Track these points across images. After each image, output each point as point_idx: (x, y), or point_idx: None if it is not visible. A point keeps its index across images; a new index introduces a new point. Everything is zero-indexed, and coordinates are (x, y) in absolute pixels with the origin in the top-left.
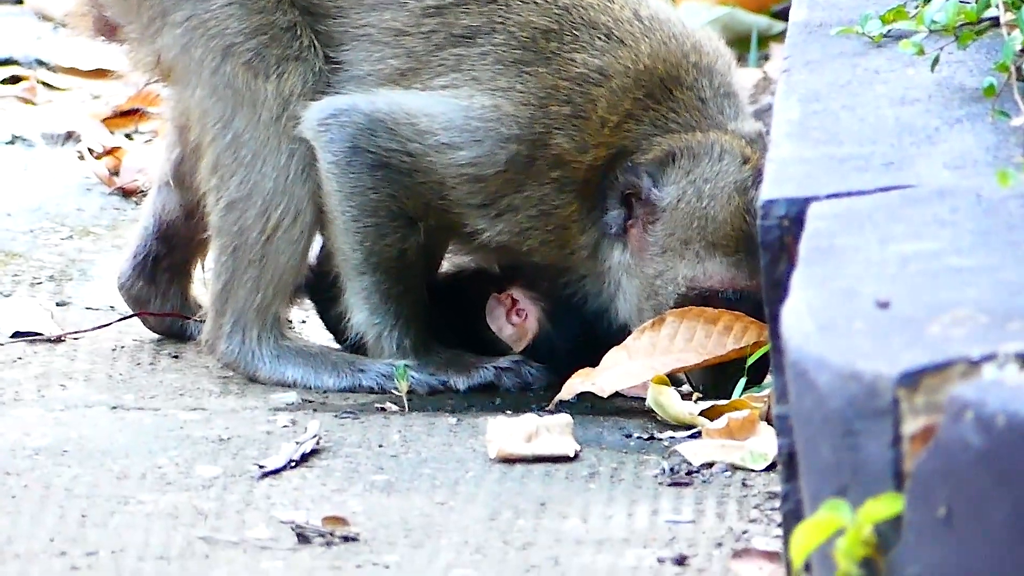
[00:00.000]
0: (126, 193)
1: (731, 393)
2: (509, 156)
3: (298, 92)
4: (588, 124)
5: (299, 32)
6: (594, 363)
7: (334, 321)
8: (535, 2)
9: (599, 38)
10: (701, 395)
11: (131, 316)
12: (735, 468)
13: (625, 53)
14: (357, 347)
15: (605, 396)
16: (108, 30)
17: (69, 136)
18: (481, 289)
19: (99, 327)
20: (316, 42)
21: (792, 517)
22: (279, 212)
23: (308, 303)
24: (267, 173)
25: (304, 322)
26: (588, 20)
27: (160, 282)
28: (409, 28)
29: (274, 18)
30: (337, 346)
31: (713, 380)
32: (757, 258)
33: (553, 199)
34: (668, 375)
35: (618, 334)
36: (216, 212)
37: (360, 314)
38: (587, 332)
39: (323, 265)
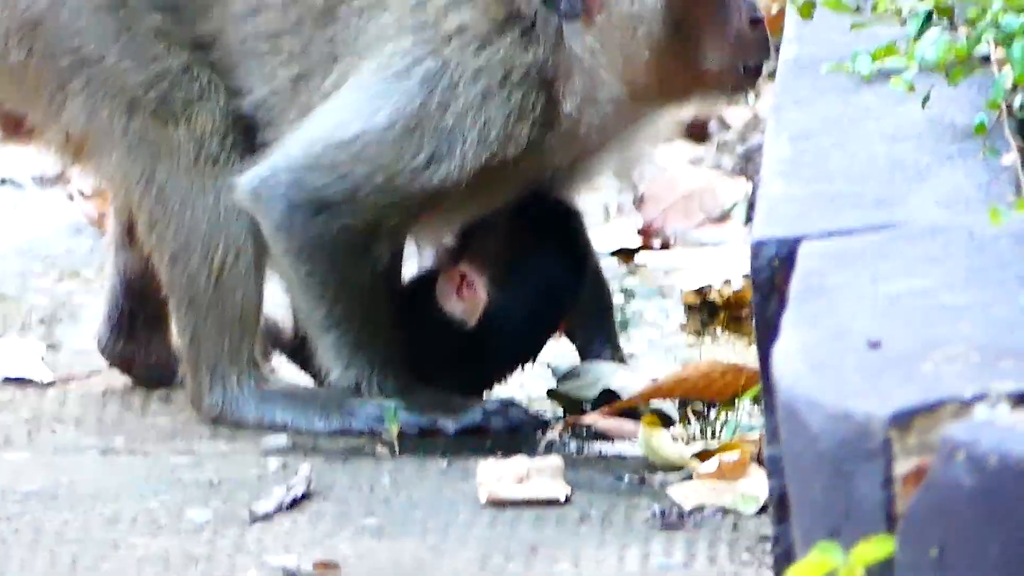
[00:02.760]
0: None
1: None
2: (425, 110)
3: (210, 130)
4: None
5: (196, 72)
6: (547, 327)
7: (319, 375)
8: None
9: None
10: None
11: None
12: (726, 511)
13: None
14: None
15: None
16: (12, 126)
17: (59, 178)
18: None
19: (91, 373)
20: (214, 77)
21: (784, 560)
22: (220, 253)
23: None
24: (199, 217)
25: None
26: None
27: (140, 337)
28: (281, 27)
29: (168, 63)
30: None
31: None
32: None
33: (483, 61)
34: (657, 413)
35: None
36: (163, 269)
37: (336, 370)
38: (538, 294)
39: (298, 324)
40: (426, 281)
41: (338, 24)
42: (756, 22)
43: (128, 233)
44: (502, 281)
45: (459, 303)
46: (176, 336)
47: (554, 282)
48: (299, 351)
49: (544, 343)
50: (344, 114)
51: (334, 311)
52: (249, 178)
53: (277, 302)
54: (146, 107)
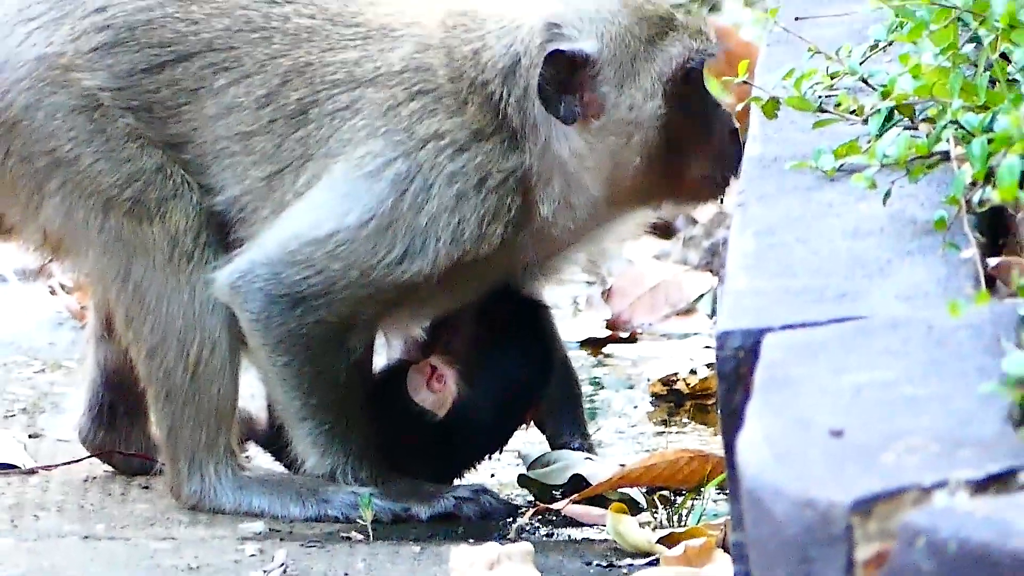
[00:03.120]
0: None
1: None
2: (398, 192)
3: (183, 228)
4: (439, 92)
5: (169, 171)
6: (516, 419)
7: (293, 464)
8: (343, 46)
9: (404, 32)
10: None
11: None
12: None
13: (430, 30)
14: None
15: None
16: None
17: (40, 272)
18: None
19: (72, 461)
20: (187, 176)
21: None
22: (196, 347)
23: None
24: (175, 313)
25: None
26: (380, 27)
27: (120, 427)
28: (253, 127)
29: (142, 163)
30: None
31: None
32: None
33: (458, 165)
34: (625, 500)
35: (540, 382)
36: (140, 362)
37: (311, 459)
38: (507, 387)
39: (272, 414)
40: (396, 372)
41: (310, 125)
42: (733, 134)
43: (107, 326)
44: (472, 374)
45: (429, 395)
46: (155, 427)
47: (523, 375)
48: (273, 441)
49: (512, 434)
50: (318, 213)
51: (310, 401)
52: (227, 273)
53: (251, 393)
54: (121, 206)
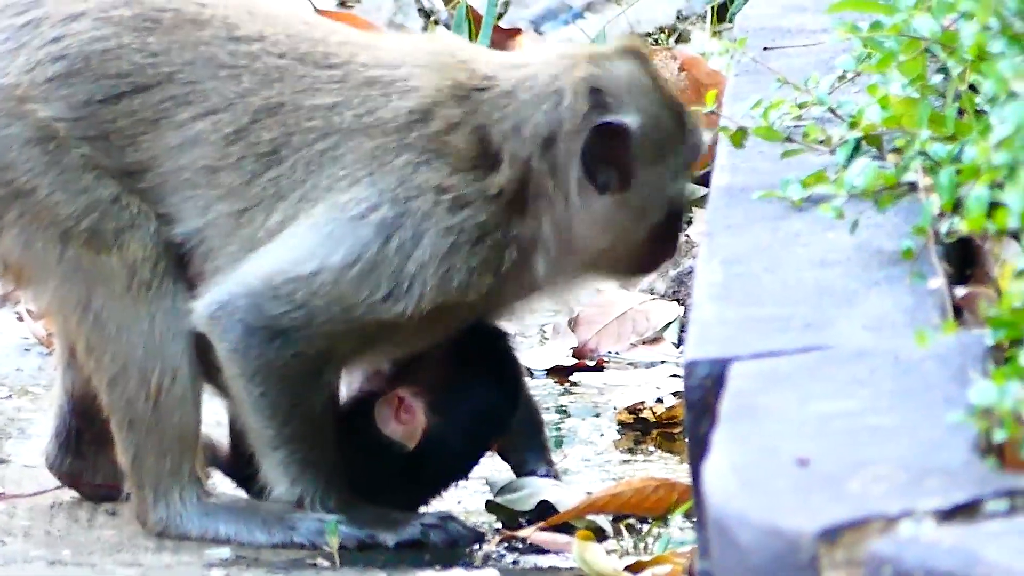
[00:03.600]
0: None
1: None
2: (386, 234)
3: (141, 257)
4: (444, 148)
5: (126, 202)
6: (483, 448)
7: (257, 493)
8: (316, 88)
9: (388, 88)
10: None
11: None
12: None
13: (427, 81)
14: None
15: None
16: None
17: (6, 298)
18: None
19: (39, 492)
20: (144, 205)
21: None
22: (157, 375)
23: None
24: (135, 342)
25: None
26: (365, 79)
27: (87, 454)
28: (219, 163)
29: (99, 193)
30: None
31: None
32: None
33: (457, 219)
34: (592, 527)
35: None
36: (103, 391)
37: (281, 486)
38: (475, 419)
39: (235, 442)
40: (361, 403)
41: (283, 165)
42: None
43: (73, 354)
44: (439, 404)
45: (398, 427)
46: (119, 455)
47: (491, 404)
48: (236, 468)
49: (478, 463)
50: (300, 251)
51: (283, 431)
52: (206, 303)
53: (215, 420)
54: (78, 237)
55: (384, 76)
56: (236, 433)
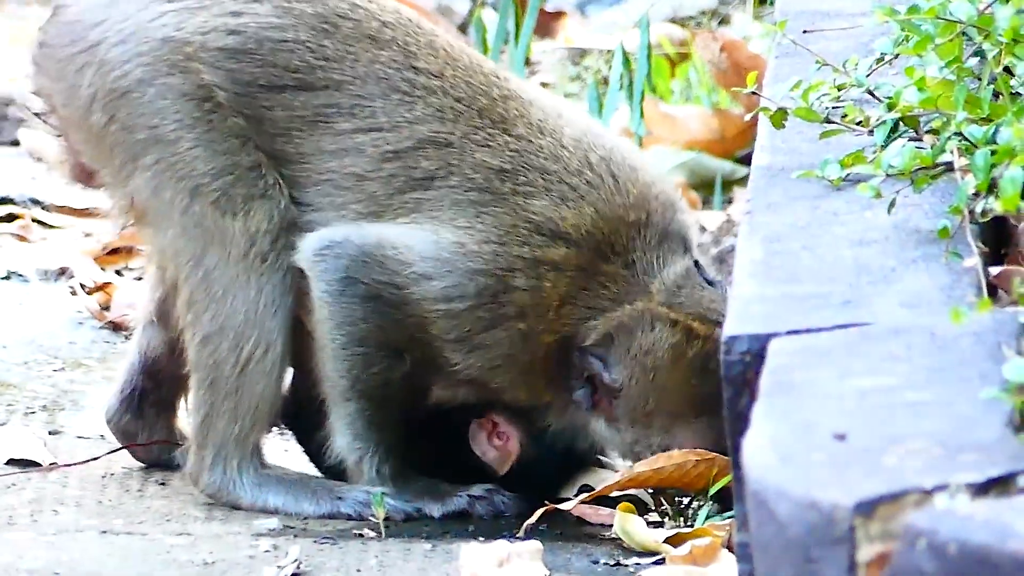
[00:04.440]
0: (116, 327)
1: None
2: (478, 289)
3: (264, 229)
4: (542, 292)
5: (264, 171)
6: (577, 482)
7: (314, 448)
8: (488, 145)
9: (551, 186)
10: (672, 520)
11: (120, 449)
12: None
13: (569, 213)
14: (336, 471)
15: (571, 509)
16: (85, 176)
17: (62, 272)
18: (465, 417)
19: (91, 460)
20: (281, 181)
21: None
22: (251, 344)
23: (287, 430)
24: (238, 307)
25: (286, 451)
26: (539, 165)
27: (147, 416)
28: (369, 173)
29: (239, 158)
30: (317, 473)
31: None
32: (720, 416)
33: (519, 349)
34: (633, 501)
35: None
36: (192, 347)
37: (343, 438)
38: (569, 451)
39: (300, 394)
40: (459, 417)
41: (430, 193)
42: None
43: (159, 313)
44: (534, 437)
45: (491, 450)
46: (189, 410)
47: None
48: (297, 420)
49: (561, 492)
50: (414, 239)
51: (357, 386)
52: (317, 238)
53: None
54: (208, 195)
55: (554, 174)
56: (312, 382)
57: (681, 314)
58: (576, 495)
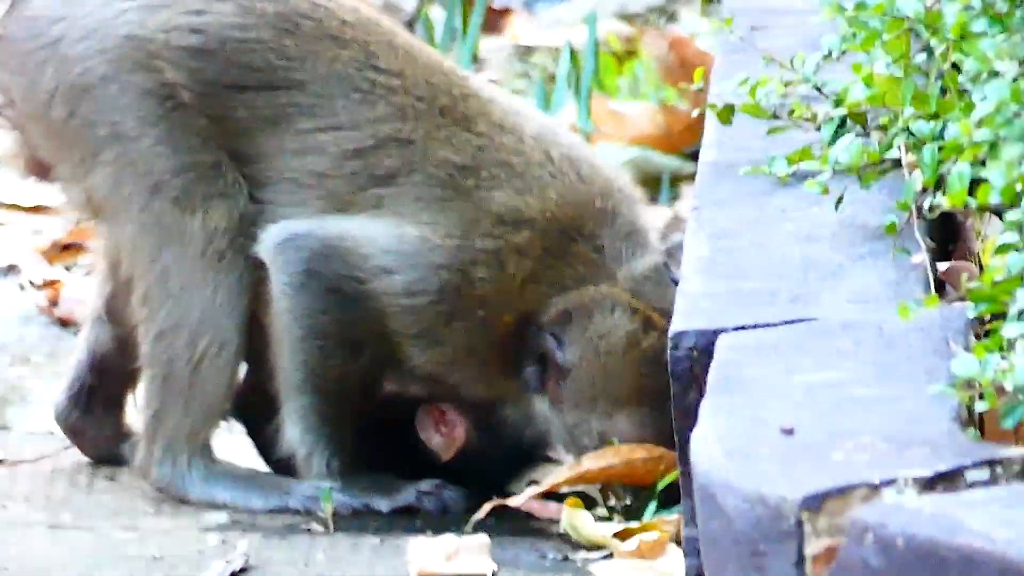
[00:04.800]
0: (64, 323)
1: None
2: (440, 284)
3: (222, 227)
4: (504, 275)
5: (224, 170)
6: (521, 475)
7: (263, 441)
8: (450, 142)
9: (513, 178)
10: (619, 515)
11: (70, 447)
12: None
13: (534, 200)
14: (285, 465)
15: (519, 505)
16: (41, 170)
17: (11, 269)
18: (414, 410)
19: (40, 459)
20: (241, 180)
21: None
22: (206, 342)
23: (236, 423)
24: (194, 305)
25: (235, 447)
26: (501, 160)
27: (95, 412)
28: (331, 172)
29: (199, 157)
30: (265, 468)
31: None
32: (664, 410)
33: (478, 338)
34: (581, 496)
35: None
36: (146, 342)
37: (294, 431)
38: (517, 445)
39: (252, 387)
40: (406, 404)
41: (392, 189)
42: None
43: (107, 310)
44: (481, 428)
45: (437, 436)
46: (139, 405)
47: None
48: (246, 413)
49: (504, 490)
50: (377, 232)
51: (312, 379)
52: (279, 229)
53: None
54: (168, 193)
55: (516, 168)
56: (268, 374)
57: (643, 304)
58: (524, 490)
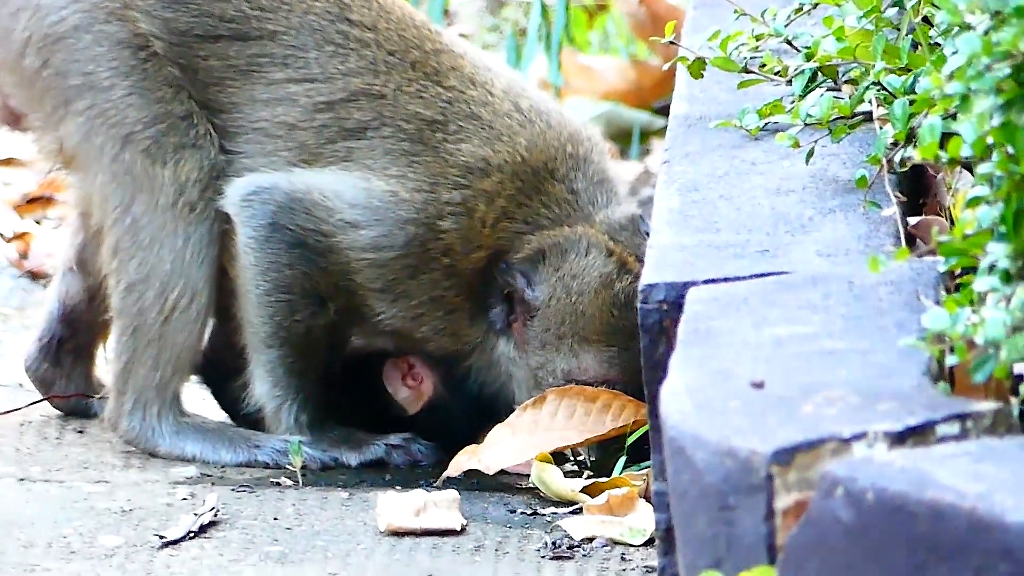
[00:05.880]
0: (35, 276)
1: (613, 469)
2: (407, 239)
3: (193, 178)
4: (472, 221)
5: (195, 121)
6: (486, 429)
7: (228, 399)
8: (420, 96)
9: (481, 129)
10: (589, 470)
11: (40, 401)
12: (615, 543)
13: (503, 147)
14: (252, 420)
15: (490, 473)
16: (13, 119)
17: None
18: (382, 365)
19: (10, 411)
20: (212, 131)
21: None
22: (176, 293)
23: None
24: (164, 256)
25: (204, 400)
26: (470, 112)
27: (64, 364)
28: (301, 123)
29: (171, 107)
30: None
31: (600, 455)
32: (631, 350)
33: (443, 288)
34: (551, 452)
35: (510, 406)
36: (116, 294)
37: (262, 385)
38: (484, 399)
39: (216, 343)
40: (373, 357)
41: (362, 143)
42: None
43: (77, 261)
44: (448, 382)
45: (404, 389)
46: (109, 357)
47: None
48: (212, 374)
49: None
50: (345, 187)
51: (279, 333)
52: (245, 183)
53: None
54: (139, 143)
55: (484, 120)
56: (233, 329)
57: (619, 247)
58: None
